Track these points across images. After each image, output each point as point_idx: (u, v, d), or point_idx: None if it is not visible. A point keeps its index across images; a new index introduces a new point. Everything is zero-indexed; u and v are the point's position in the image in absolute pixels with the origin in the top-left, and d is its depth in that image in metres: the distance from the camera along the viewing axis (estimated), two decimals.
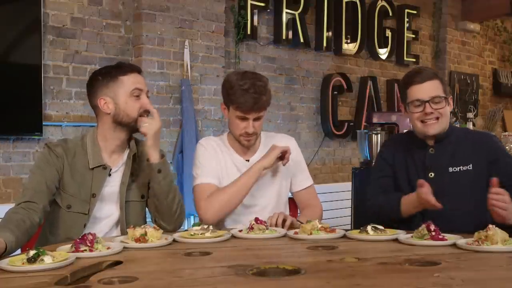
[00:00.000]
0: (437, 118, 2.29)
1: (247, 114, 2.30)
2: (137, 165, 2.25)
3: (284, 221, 2.20)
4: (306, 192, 2.54)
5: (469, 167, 2.30)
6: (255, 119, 2.33)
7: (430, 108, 2.27)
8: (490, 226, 1.78)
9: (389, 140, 2.85)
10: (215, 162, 2.40)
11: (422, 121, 2.30)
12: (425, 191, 2.10)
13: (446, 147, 2.35)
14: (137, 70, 2.22)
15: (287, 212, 2.52)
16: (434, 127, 2.30)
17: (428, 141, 2.37)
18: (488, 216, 2.05)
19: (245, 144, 2.39)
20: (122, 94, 2.14)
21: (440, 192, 2.22)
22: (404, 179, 2.39)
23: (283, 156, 2.35)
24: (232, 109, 2.33)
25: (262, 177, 2.39)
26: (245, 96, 2.26)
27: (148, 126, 2.13)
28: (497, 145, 2.41)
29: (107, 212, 2.18)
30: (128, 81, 2.16)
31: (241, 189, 2.30)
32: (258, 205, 2.42)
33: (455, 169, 2.31)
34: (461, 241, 1.81)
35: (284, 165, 2.37)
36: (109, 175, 2.18)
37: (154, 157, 2.15)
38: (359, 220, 4.26)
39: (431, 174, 2.33)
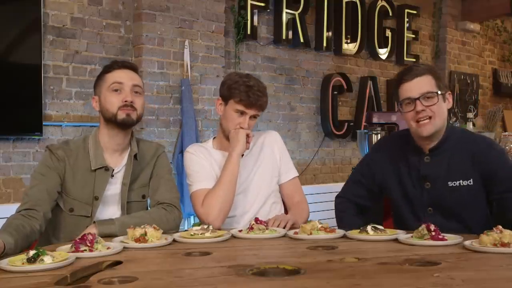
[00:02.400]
0: (430, 117, 2.14)
1: (248, 109, 2.33)
2: (138, 165, 2.24)
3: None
4: (291, 183, 2.52)
5: (470, 182, 2.17)
6: (252, 117, 2.37)
7: (421, 106, 2.13)
8: (500, 227, 1.76)
9: (382, 141, 2.63)
10: (208, 165, 2.40)
11: (417, 121, 2.16)
12: None
13: (443, 156, 2.21)
14: (126, 66, 2.21)
15: (282, 209, 2.52)
16: (427, 128, 2.14)
17: (423, 145, 2.23)
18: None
19: None
20: (103, 90, 2.16)
21: (437, 205, 2.21)
22: (395, 186, 2.30)
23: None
24: (233, 103, 2.34)
25: (250, 168, 2.43)
26: (249, 91, 2.31)
27: None
28: (495, 157, 2.20)
29: (109, 213, 2.17)
30: (110, 77, 2.16)
31: (231, 179, 2.30)
32: (251, 185, 2.44)
33: (454, 183, 2.18)
34: (467, 241, 1.80)
35: (247, 148, 2.39)
36: (112, 176, 2.18)
37: None
38: None
39: (427, 184, 2.22)
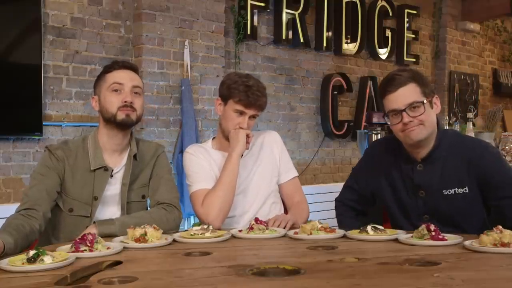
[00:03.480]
0: (419, 125, 2.09)
1: (247, 109, 2.33)
2: (137, 165, 2.24)
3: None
4: (290, 183, 2.52)
5: (465, 189, 2.14)
6: (251, 117, 2.37)
7: (408, 117, 2.07)
8: (500, 227, 1.76)
9: (375, 146, 2.60)
10: (208, 165, 2.40)
11: (404, 131, 2.11)
12: None
13: (436, 164, 2.17)
14: (126, 66, 2.21)
15: (282, 209, 2.52)
16: (416, 133, 2.09)
17: (415, 154, 2.19)
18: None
19: None
20: (103, 90, 2.17)
21: (433, 212, 2.19)
22: (389, 195, 2.28)
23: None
24: (232, 103, 2.34)
25: (249, 167, 2.43)
26: (248, 91, 2.31)
27: None
28: (491, 162, 2.16)
29: (108, 214, 2.17)
30: (110, 77, 2.16)
31: (231, 179, 2.30)
32: (251, 185, 2.43)
33: (449, 191, 2.15)
34: (467, 241, 1.80)
35: (247, 148, 2.39)
36: (111, 176, 2.18)
37: None
38: None
39: (421, 193, 2.19)
